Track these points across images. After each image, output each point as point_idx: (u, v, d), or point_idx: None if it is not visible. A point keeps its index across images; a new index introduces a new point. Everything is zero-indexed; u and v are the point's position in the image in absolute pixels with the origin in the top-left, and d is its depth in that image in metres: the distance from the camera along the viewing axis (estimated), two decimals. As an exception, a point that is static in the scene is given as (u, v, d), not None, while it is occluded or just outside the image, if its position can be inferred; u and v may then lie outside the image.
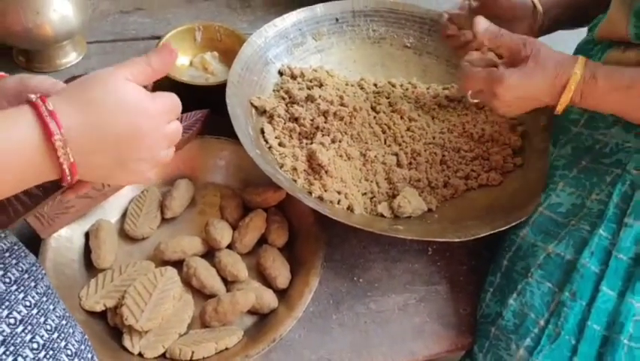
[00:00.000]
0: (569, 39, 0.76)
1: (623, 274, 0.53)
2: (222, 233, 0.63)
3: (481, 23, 0.58)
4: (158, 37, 0.85)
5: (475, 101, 0.62)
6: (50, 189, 0.47)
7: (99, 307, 0.57)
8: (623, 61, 0.60)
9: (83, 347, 0.47)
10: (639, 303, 0.52)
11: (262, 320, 0.61)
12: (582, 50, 0.71)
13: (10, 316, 0.43)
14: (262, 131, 0.71)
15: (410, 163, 0.72)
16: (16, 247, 0.49)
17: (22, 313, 0.44)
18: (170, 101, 0.45)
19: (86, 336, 0.49)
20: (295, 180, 0.66)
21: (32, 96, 0.39)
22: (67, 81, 0.49)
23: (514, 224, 0.62)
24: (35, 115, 0.38)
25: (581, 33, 0.76)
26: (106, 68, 0.42)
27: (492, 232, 0.61)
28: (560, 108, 0.58)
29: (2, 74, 0.50)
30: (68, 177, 0.40)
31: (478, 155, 0.75)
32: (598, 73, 0.55)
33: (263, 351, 0.55)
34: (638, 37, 0.59)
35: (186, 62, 0.85)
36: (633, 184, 0.56)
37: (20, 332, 0.43)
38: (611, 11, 0.62)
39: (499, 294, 0.61)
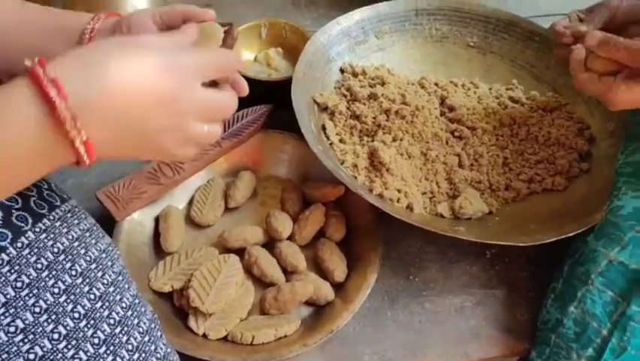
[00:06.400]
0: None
1: None
2: (284, 224, 0.65)
3: (595, 37, 0.53)
4: (225, 33, 0.88)
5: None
6: None
7: (167, 288, 0.60)
8: None
9: (152, 325, 0.49)
10: None
11: (318, 312, 0.62)
12: None
13: (90, 292, 0.45)
14: (324, 128, 0.72)
15: (472, 165, 0.71)
16: (95, 228, 0.52)
17: (101, 291, 0.46)
18: (210, 58, 0.39)
19: (156, 315, 0.51)
20: (356, 177, 0.66)
21: (28, 61, 0.32)
22: None
23: (580, 231, 0.60)
24: (35, 86, 0.32)
25: None
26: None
27: (559, 238, 0.59)
28: None
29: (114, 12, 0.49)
30: (85, 159, 0.34)
31: (543, 158, 0.73)
32: None
33: (320, 341, 0.56)
34: None
35: (251, 57, 0.87)
36: None
37: (99, 308, 0.45)
38: None
39: (559, 300, 0.59)
